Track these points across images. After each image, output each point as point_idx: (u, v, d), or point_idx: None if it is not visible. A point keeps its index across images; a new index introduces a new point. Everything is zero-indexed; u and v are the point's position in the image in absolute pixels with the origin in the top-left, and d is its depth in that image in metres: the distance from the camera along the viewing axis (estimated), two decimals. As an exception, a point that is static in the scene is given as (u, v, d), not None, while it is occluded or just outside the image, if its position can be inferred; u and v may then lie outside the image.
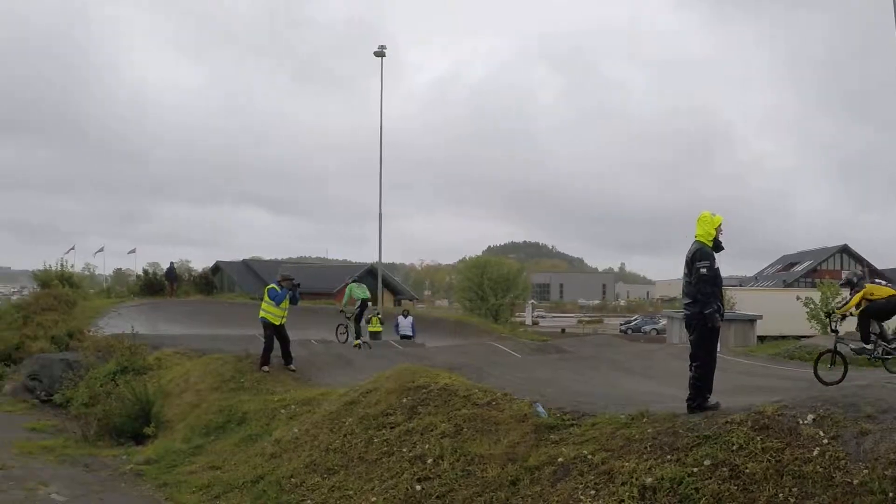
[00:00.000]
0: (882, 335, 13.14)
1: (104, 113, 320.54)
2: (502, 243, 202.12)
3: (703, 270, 8.07)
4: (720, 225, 8.39)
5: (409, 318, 30.37)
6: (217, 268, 66.22)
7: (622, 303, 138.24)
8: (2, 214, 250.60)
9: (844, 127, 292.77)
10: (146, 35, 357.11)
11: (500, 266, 61.29)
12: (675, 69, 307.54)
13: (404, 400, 10.40)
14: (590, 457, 7.45)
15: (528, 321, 69.38)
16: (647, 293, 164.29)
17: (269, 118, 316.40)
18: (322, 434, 10.63)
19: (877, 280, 13.94)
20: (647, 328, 71.40)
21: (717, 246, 8.34)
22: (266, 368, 15.25)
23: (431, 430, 9.34)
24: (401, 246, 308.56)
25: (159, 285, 41.27)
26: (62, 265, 38.05)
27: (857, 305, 12.94)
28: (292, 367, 15.69)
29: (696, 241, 8.36)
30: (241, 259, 74.78)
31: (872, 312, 13.05)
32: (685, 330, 8.70)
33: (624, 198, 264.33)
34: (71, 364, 19.98)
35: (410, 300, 66.64)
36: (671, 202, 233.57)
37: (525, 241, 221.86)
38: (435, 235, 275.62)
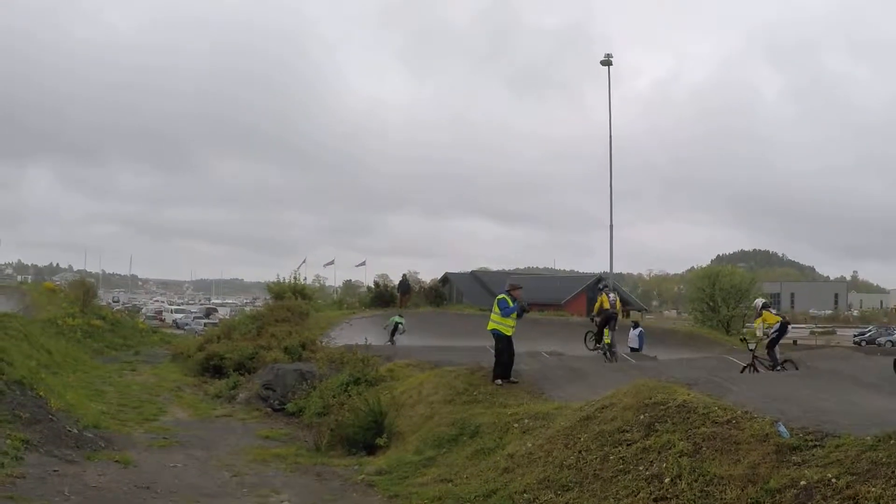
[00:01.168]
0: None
1: (332, 132, 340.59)
2: (731, 251, 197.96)
3: None
4: None
5: (638, 330, 30.61)
6: (446, 279, 68.85)
7: (854, 313, 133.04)
8: (235, 229, 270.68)
9: None
10: (362, 56, 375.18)
11: (731, 276, 61.17)
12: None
13: (641, 416, 10.66)
14: (834, 481, 7.48)
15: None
16: (881, 302, 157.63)
17: (490, 128, 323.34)
18: (556, 449, 10.97)
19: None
20: (883, 340, 70.92)
21: None
22: (499, 382, 15.75)
23: (669, 449, 9.56)
24: (626, 255, 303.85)
25: (389, 297, 43.29)
26: (295, 277, 40.92)
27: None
28: (513, 379, 16.12)
29: None
30: (470, 270, 77.25)
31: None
32: None
33: (855, 199, 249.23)
34: (304, 374, 21.60)
35: (639, 311, 67.58)
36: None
37: (755, 249, 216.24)
38: (661, 244, 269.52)
